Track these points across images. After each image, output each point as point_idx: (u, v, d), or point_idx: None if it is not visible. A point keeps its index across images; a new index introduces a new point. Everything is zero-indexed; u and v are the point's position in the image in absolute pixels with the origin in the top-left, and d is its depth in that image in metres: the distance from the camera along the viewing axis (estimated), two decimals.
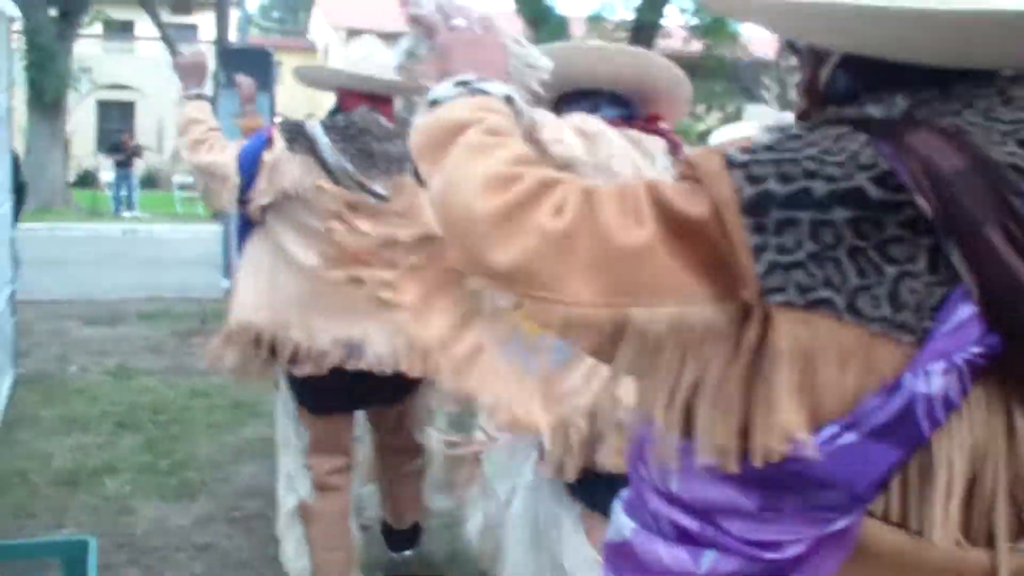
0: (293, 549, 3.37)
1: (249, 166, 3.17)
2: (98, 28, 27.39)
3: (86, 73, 23.89)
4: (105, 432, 5.59)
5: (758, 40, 21.32)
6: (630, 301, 0.98)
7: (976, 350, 0.90)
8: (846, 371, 0.93)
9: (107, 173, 22.85)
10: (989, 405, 0.93)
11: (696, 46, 20.80)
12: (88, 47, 26.76)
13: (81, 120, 30.06)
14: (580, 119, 2.10)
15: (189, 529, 4.31)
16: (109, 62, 29.37)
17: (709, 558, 1.02)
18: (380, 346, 3.14)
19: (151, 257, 14.33)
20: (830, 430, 0.93)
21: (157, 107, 27.38)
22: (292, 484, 3.38)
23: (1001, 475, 0.93)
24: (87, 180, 25.52)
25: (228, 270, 9.01)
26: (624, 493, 1.20)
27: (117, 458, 5.15)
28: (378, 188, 3.15)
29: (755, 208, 0.95)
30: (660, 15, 18.38)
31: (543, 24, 17.56)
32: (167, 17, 23.30)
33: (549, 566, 2.37)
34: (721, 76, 21.13)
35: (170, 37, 19.29)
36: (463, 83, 1.24)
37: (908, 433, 0.91)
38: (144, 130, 30.52)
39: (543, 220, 1.00)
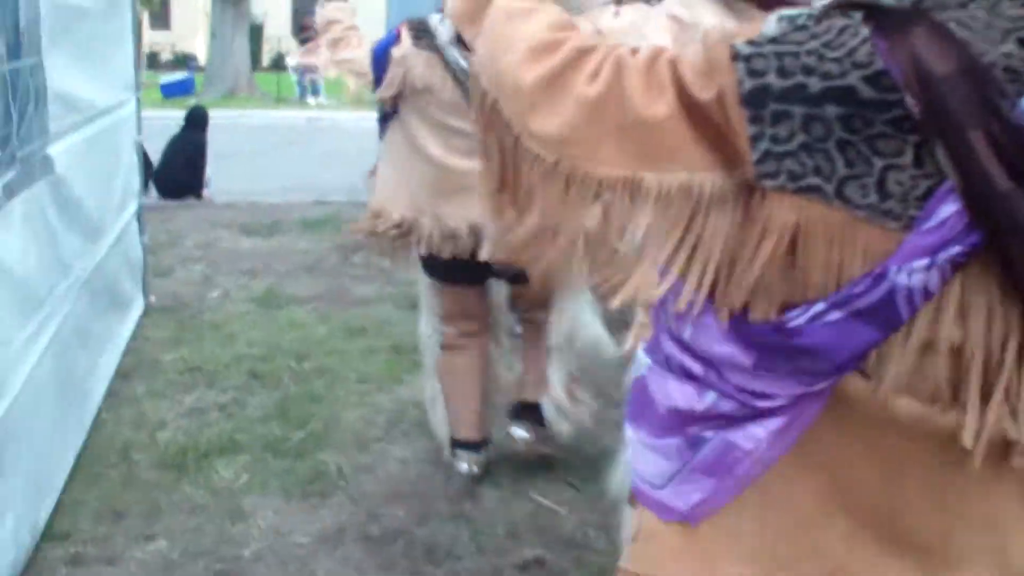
0: (430, 400, 3.83)
1: (380, 61, 3.44)
2: None
3: None
4: (233, 386, 4.58)
5: None
6: (648, 166, 1.05)
7: (957, 249, 0.94)
8: (832, 251, 0.98)
9: (294, 57, 22.06)
10: (969, 289, 0.97)
11: None
12: None
13: (275, 1, 29.67)
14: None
15: (309, 551, 3.22)
16: None
17: (710, 397, 1.14)
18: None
19: (328, 150, 13.43)
20: (818, 307, 1.00)
21: None
22: (430, 343, 3.78)
23: (977, 353, 0.98)
24: (279, 64, 24.92)
25: None
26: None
27: (240, 428, 4.12)
28: None
29: (753, 100, 1.00)
30: None
31: None
32: None
33: None
34: None
35: None
36: None
37: (888, 316, 0.98)
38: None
39: (579, 88, 1.08)
